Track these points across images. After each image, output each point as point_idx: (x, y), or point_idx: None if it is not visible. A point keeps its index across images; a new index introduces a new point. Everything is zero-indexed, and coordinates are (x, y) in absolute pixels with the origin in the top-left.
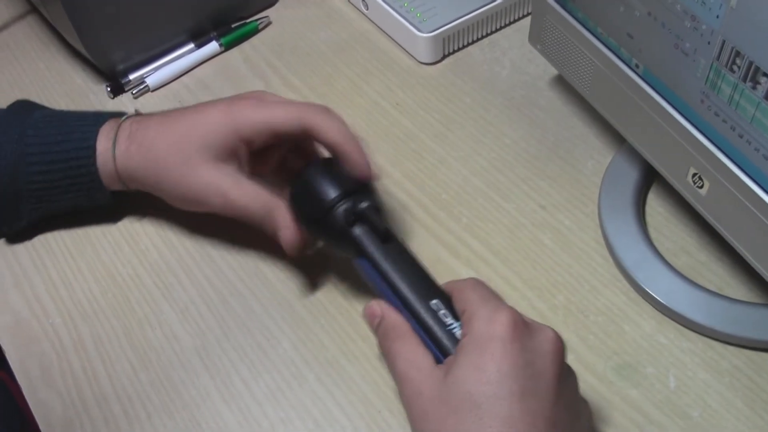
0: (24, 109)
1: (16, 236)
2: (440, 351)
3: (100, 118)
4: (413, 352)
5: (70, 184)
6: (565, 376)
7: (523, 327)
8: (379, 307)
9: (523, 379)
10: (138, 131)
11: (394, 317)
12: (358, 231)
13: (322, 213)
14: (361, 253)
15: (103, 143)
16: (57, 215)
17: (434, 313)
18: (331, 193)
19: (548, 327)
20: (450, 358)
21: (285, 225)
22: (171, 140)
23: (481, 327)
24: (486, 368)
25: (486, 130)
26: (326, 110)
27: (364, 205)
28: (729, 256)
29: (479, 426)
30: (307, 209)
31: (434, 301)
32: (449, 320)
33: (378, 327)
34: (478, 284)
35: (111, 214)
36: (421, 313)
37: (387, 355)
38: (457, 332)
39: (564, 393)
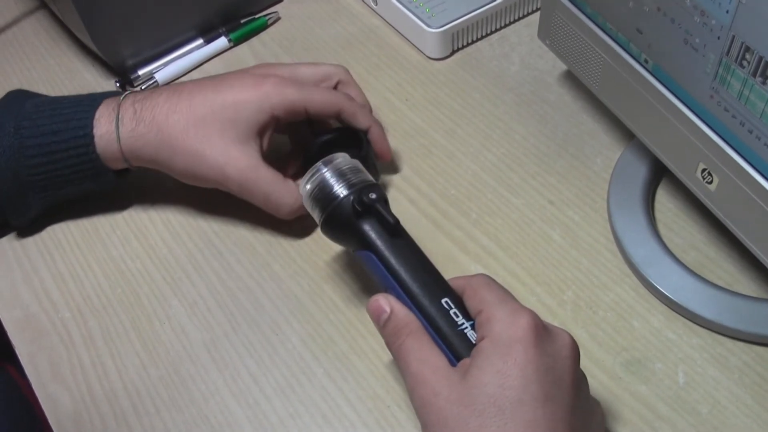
0: (17, 99)
1: (28, 229)
2: (451, 351)
3: (95, 101)
4: (427, 352)
5: (72, 173)
6: (581, 380)
7: (543, 330)
8: (387, 302)
9: (545, 384)
10: (144, 110)
11: (404, 313)
12: (365, 223)
13: (330, 203)
14: (368, 246)
15: (103, 126)
16: (67, 201)
17: (446, 312)
18: (341, 184)
19: (565, 331)
20: (465, 360)
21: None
22: (190, 118)
23: (502, 330)
24: (509, 373)
25: (495, 125)
26: (351, 98)
27: (373, 196)
28: (738, 252)
29: (502, 429)
30: (319, 200)
31: (445, 300)
32: (460, 320)
33: (386, 323)
34: (491, 282)
35: (120, 208)
36: (431, 312)
37: (398, 353)
38: (469, 333)
39: (580, 397)
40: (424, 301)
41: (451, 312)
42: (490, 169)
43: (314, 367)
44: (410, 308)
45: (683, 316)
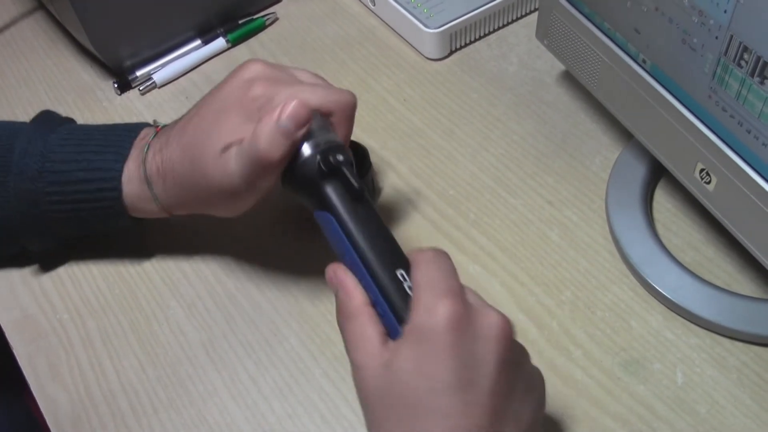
0: (40, 130)
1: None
2: (399, 323)
3: (122, 146)
4: (364, 337)
5: (96, 220)
6: (512, 359)
7: (463, 316)
8: (335, 275)
9: (462, 371)
10: (164, 162)
11: (348, 290)
12: (329, 184)
13: (295, 159)
14: (329, 207)
15: (135, 183)
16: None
17: (399, 284)
18: (308, 140)
19: (493, 310)
20: (395, 343)
21: None
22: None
23: (420, 317)
24: (422, 360)
25: (493, 125)
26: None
27: (340, 158)
28: (736, 252)
29: (416, 419)
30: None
31: (400, 271)
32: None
33: (336, 300)
34: (432, 261)
35: None
36: (384, 281)
37: (342, 335)
38: None
39: (509, 377)
40: (378, 270)
41: (405, 284)
42: (488, 170)
43: (312, 367)
44: (363, 276)
45: (682, 316)
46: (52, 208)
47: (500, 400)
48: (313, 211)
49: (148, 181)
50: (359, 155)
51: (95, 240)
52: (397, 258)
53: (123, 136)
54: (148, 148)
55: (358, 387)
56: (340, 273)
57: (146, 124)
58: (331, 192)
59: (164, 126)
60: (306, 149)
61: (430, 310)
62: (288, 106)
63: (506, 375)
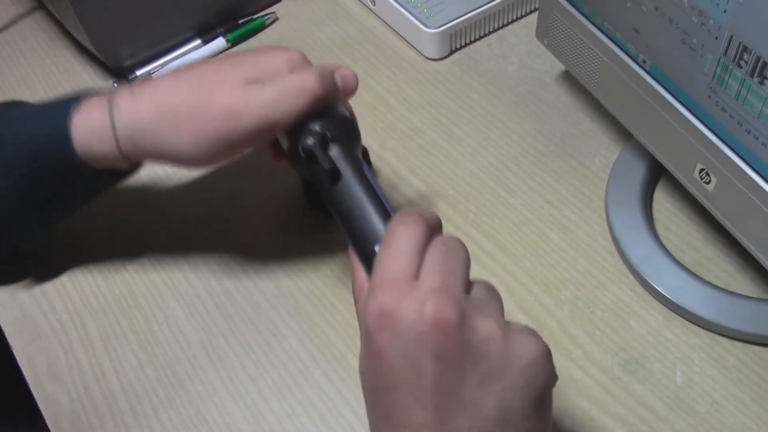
0: (4, 108)
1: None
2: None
3: (76, 95)
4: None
5: (54, 176)
6: (454, 350)
7: (390, 312)
8: (350, 254)
9: (396, 371)
10: (143, 89)
11: (353, 266)
12: (311, 169)
13: (289, 143)
14: (320, 191)
15: (95, 117)
16: (69, 215)
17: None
18: (302, 125)
19: (431, 298)
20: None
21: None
22: (194, 85)
23: (361, 313)
24: (368, 361)
25: (493, 125)
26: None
27: (309, 141)
28: (736, 252)
29: (377, 414)
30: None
31: (377, 245)
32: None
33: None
34: (389, 237)
35: (117, 209)
36: (366, 258)
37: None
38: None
39: (456, 368)
40: (357, 248)
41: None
42: (487, 169)
43: (312, 367)
44: (357, 255)
45: (681, 316)
46: (12, 174)
47: (447, 395)
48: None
49: (111, 107)
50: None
51: (95, 240)
52: (376, 232)
53: (76, 92)
54: (117, 87)
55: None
56: (350, 252)
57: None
58: (312, 175)
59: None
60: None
61: (367, 307)
62: (345, 69)
63: (451, 367)
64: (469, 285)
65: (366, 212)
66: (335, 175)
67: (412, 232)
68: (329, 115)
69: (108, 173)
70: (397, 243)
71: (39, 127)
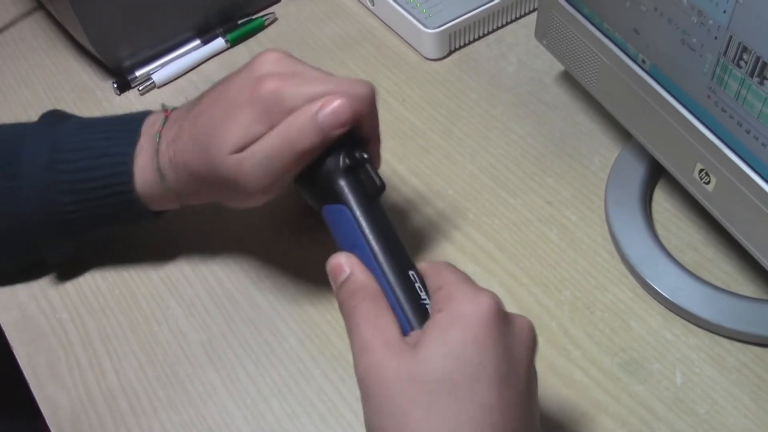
0: (49, 126)
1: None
2: (410, 325)
3: (131, 132)
4: (382, 319)
5: (109, 213)
6: (534, 369)
7: (504, 311)
8: (348, 261)
9: (503, 364)
10: (176, 155)
11: (364, 275)
12: (346, 179)
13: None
14: (344, 201)
15: (147, 173)
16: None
17: (411, 284)
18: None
19: (525, 317)
20: (417, 332)
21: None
22: (215, 113)
23: (462, 304)
24: (468, 347)
25: (492, 125)
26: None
27: (365, 155)
28: (736, 252)
29: (455, 408)
30: None
31: (412, 272)
32: (423, 295)
33: (343, 284)
34: (453, 266)
35: None
36: (396, 279)
37: (350, 315)
38: (430, 310)
39: (534, 381)
40: (391, 267)
41: (416, 285)
42: (487, 170)
43: (312, 367)
44: (374, 272)
45: (681, 317)
46: (64, 200)
47: (530, 403)
48: (322, 205)
49: (160, 172)
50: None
51: (95, 240)
52: (409, 260)
53: (132, 122)
54: (159, 138)
55: (368, 372)
56: (353, 260)
57: (152, 112)
58: (348, 186)
59: (174, 109)
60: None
61: (475, 298)
62: (331, 103)
63: (533, 378)
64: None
65: (400, 240)
66: (379, 193)
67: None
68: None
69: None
70: (458, 270)
71: (101, 170)
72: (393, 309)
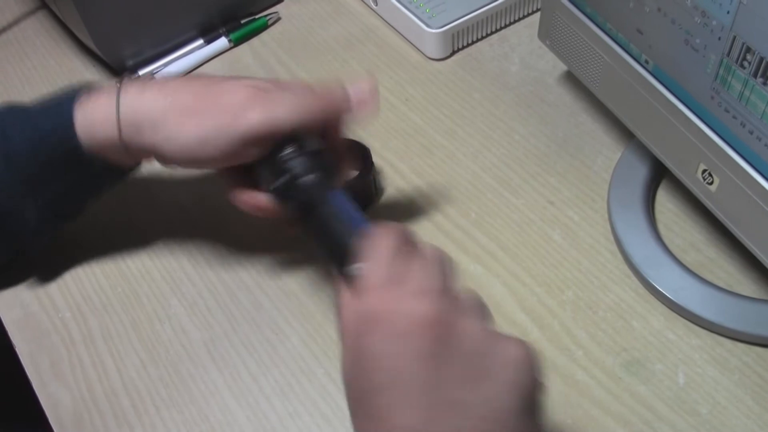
0: (7, 108)
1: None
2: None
3: (82, 86)
4: None
5: (57, 163)
6: (435, 350)
7: (374, 317)
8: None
9: (381, 373)
10: (154, 80)
11: (342, 294)
12: (287, 206)
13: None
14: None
15: (102, 100)
16: (67, 214)
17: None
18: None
19: (412, 301)
20: None
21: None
22: (195, 87)
23: (344, 321)
24: (351, 366)
25: (495, 125)
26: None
27: (280, 181)
28: (738, 253)
29: (359, 419)
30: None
31: (352, 267)
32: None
33: None
34: (372, 245)
35: (119, 207)
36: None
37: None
38: None
39: (443, 367)
40: (339, 270)
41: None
42: (490, 170)
43: (314, 366)
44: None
45: (683, 317)
46: (17, 159)
47: (433, 393)
48: None
49: (119, 91)
50: (362, 154)
51: (98, 238)
52: (347, 255)
53: (72, 87)
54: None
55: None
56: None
57: None
58: (289, 211)
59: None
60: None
61: (350, 312)
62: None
63: (435, 365)
64: (454, 293)
65: (342, 233)
66: (305, 208)
67: (390, 241)
68: (299, 147)
69: (109, 168)
70: (377, 252)
71: (43, 119)
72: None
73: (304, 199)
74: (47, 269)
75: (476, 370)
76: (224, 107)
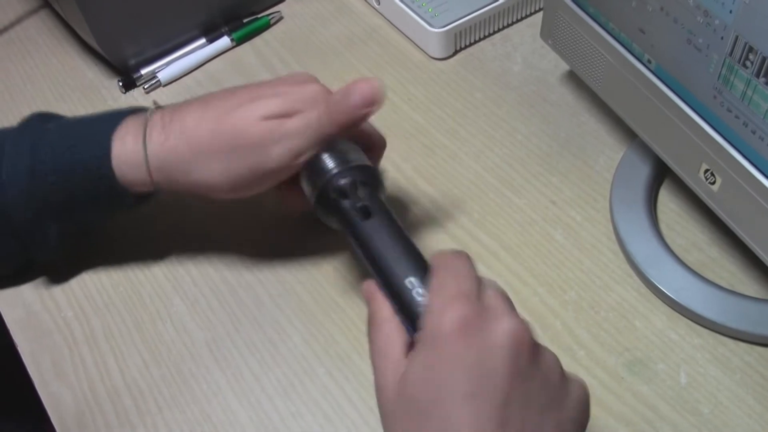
0: (39, 120)
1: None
2: (415, 333)
3: (116, 116)
4: (386, 341)
5: (87, 193)
6: (527, 370)
7: (475, 322)
8: (369, 288)
9: (471, 381)
10: (173, 122)
11: (377, 300)
12: (338, 208)
13: (319, 186)
14: (344, 227)
15: (129, 144)
16: (87, 233)
17: (408, 292)
18: (327, 166)
19: (509, 317)
20: (413, 351)
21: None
22: (221, 122)
23: (432, 322)
24: (434, 368)
25: (497, 125)
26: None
27: (343, 181)
28: (741, 253)
29: (418, 428)
30: (310, 182)
31: (410, 279)
32: (424, 300)
33: (368, 309)
34: (446, 264)
35: None
36: (394, 291)
37: (370, 344)
38: None
39: (525, 389)
40: (388, 280)
41: (414, 291)
42: (492, 169)
43: (316, 366)
44: (381, 287)
45: (685, 317)
46: (45, 179)
47: (513, 413)
48: (343, 230)
49: (145, 136)
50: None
51: (100, 238)
52: (408, 266)
53: (122, 110)
54: (151, 113)
55: (377, 395)
56: (372, 286)
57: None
58: (340, 214)
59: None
60: (326, 174)
61: (441, 315)
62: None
63: (521, 386)
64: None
65: (402, 245)
66: (368, 211)
67: (468, 262)
68: (351, 160)
69: (137, 196)
70: (457, 267)
71: (79, 147)
72: (403, 323)
73: (365, 201)
74: (49, 269)
75: (552, 399)
76: (245, 150)
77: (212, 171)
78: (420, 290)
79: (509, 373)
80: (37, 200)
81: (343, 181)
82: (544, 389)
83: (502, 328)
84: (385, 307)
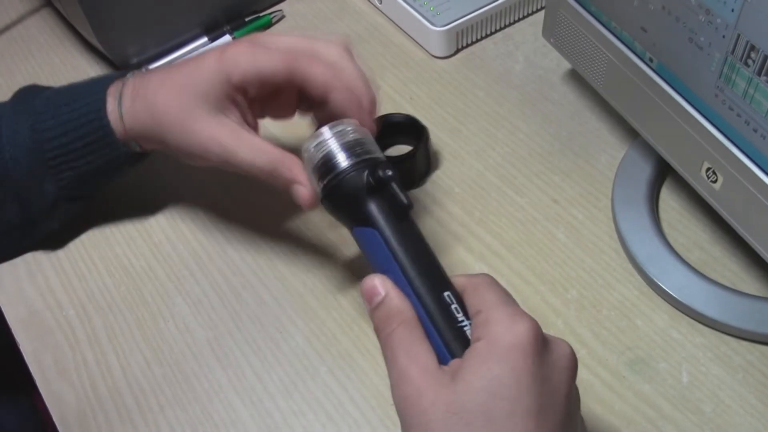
0: (32, 89)
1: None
2: (448, 350)
3: (107, 78)
4: (418, 346)
5: (86, 145)
6: (575, 393)
7: (543, 338)
8: (383, 284)
9: (541, 396)
10: (141, 87)
11: (399, 299)
12: (373, 200)
13: (336, 174)
14: (373, 223)
15: (110, 104)
16: (84, 194)
17: (446, 306)
18: (348, 153)
19: (565, 342)
20: (456, 361)
21: (300, 180)
22: (170, 93)
23: (501, 333)
24: (504, 380)
25: (499, 124)
26: (316, 56)
27: (389, 173)
28: (743, 251)
29: None
30: (323, 168)
31: (447, 293)
32: (461, 317)
33: (378, 306)
34: (493, 283)
35: (124, 206)
36: (430, 302)
37: (386, 342)
38: (468, 332)
39: (572, 410)
40: (425, 290)
41: (452, 307)
42: (494, 168)
43: (318, 365)
44: (408, 295)
45: (687, 315)
46: (46, 134)
47: (567, 430)
48: (353, 227)
49: (120, 97)
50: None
51: (101, 237)
52: (443, 279)
53: (113, 73)
54: (129, 76)
55: (410, 403)
56: (387, 283)
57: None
58: (376, 208)
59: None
60: (344, 161)
61: (512, 327)
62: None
63: (571, 406)
64: None
65: (434, 258)
66: (407, 212)
67: (496, 286)
68: (372, 151)
69: (130, 153)
70: (501, 287)
71: (76, 98)
72: (429, 334)
73: (408, 197)
74: (51, 267)
75: (570, 415)
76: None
77: (168, 141)
78: (456, 306)
79: (566, 394)
80: (37, 156)
81: (389, 172)
82: (578, 407)
83: (563, 350)
84: (410, 309)
